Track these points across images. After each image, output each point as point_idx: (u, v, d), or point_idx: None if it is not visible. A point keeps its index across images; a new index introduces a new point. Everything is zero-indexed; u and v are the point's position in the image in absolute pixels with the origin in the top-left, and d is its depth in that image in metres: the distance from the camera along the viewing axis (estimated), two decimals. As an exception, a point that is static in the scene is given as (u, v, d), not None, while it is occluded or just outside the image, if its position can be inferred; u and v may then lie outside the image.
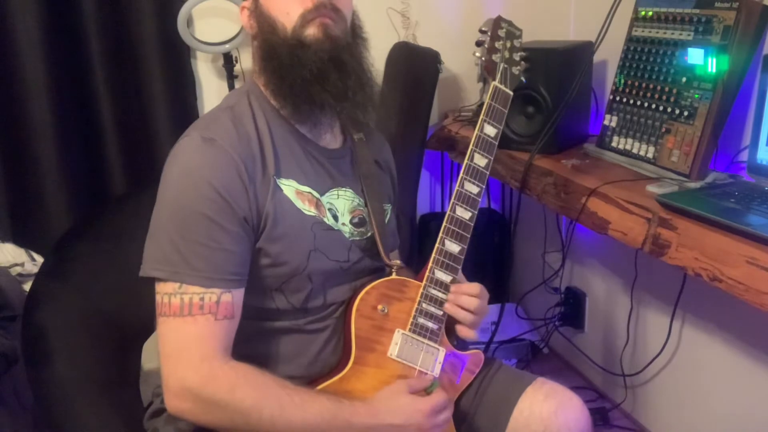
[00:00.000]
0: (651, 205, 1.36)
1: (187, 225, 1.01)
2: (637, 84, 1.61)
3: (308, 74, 1.07)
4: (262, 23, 1.11)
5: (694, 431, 1.82)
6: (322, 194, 1.14)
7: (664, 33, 1.56)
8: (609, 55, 1.81)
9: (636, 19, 1.63)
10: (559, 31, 2.07)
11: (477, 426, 1.23)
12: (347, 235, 1.16)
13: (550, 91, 1.72)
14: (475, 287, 1.20)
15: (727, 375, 1.69)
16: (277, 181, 1.08)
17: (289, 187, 1.09)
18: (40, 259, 1.75)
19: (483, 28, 1.25)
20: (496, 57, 1.23)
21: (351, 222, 1.17)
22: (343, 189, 1.17)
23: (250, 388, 0.99)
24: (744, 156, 1.47)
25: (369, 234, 1.20)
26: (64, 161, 1.91)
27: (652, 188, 1.43)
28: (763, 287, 1.11)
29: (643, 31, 1.61)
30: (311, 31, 1.08)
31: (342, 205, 1.16)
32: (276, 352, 1.12)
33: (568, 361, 2.33)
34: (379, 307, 1.14)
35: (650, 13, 1.59)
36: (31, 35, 1.82)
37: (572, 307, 2.23)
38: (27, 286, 1.54)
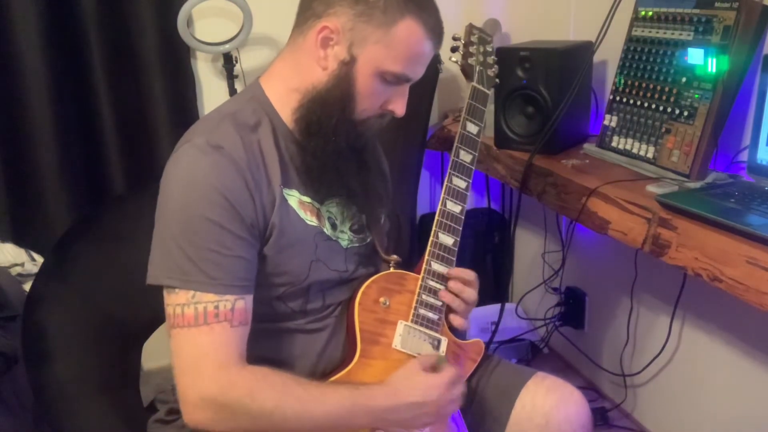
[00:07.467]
0: (651, 205, 1.36)
1: (196, 232, 0.98)
2: (637, 84, 1.61)
3: (343, 145, 1.08)
4: (340, 86, 1.05)
5: (693, 431, 1.83)
6: (321, 203, 1.13)
7: (664, 33, 1.55)
8: (609, 55, 1.81)
9: (636, 19, 1.62)
10: (559, 31, 2.06)
11: (479, 420, 1.23)
12: (344, 244, 1.16)
13: (550, 91, 1.72)
14: (470, 273, 1.22)
15: (727, 375, 1.69)
16: (284, 191, 1.07)
17: (293, 198, 1.08)
18: (40, 259, 1.75)
19: (456, 36, 1.31)
20: (472, 60, 1.30)
21: (350, 229, 1.17)
22: (341, 196, 1.16)
23: (270, 390, 0.99)
24: (744, 156, 1.47)
25: (368, 240, 1.20)
26: (64, 161, 1.91)
27: (652, 188, 1.43)
28: (763, 287, 1.12)
29: (643, 31, 1.61)
30: (371, 125, 1.11)
31: (341, 212, 1.16)
32: (278, 352, 1.12)
33: (568, 361, 2.33)
34: (381, 300, 1.15)
35: (650, 13, 1.59)
36: (31, 36, 1.82)
37: (572, 307, 2.22)
38: (27, 286, 1.54)
